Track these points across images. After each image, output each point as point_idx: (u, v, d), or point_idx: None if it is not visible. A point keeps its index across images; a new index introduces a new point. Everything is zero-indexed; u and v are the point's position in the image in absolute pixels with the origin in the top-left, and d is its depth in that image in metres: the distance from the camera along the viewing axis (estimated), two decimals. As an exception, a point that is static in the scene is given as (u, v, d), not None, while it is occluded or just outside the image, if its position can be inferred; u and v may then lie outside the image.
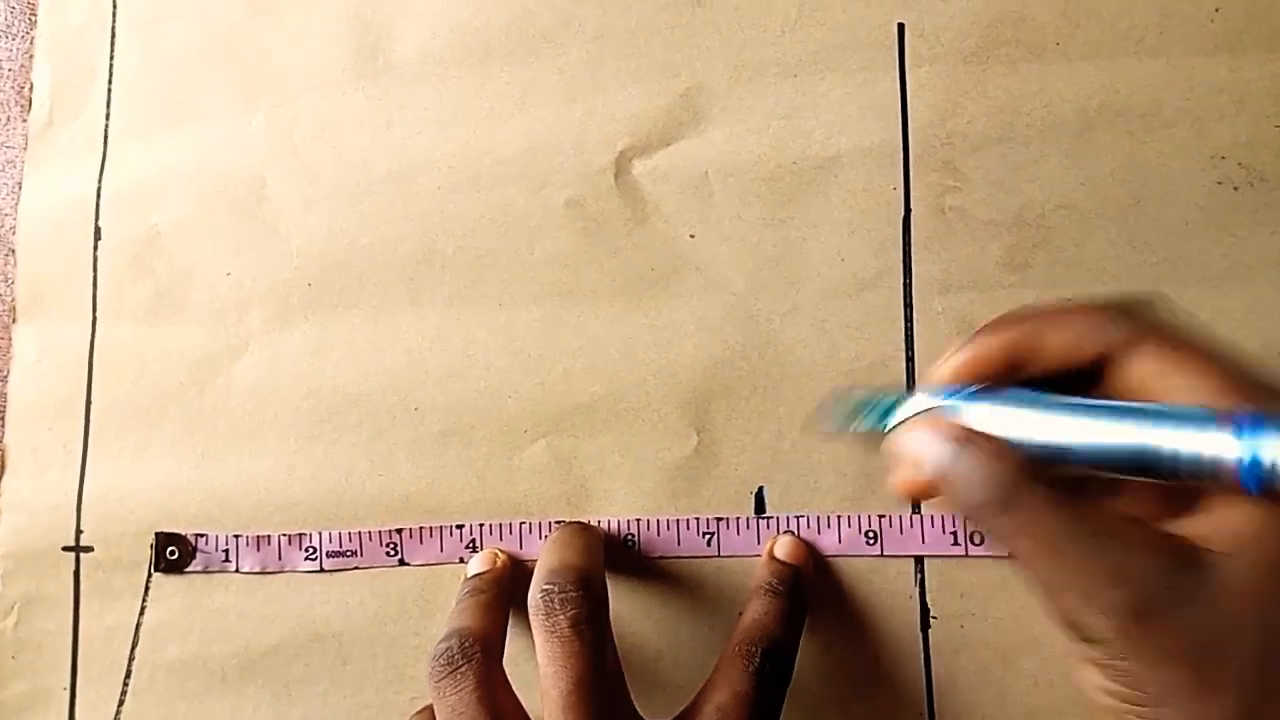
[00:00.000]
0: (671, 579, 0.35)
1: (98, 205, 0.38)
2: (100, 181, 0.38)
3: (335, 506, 0.36)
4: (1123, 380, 0.24)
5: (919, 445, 0.25)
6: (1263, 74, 0.35)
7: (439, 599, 0.35)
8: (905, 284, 0.35)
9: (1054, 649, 0.33)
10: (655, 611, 0.35)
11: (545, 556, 0.31)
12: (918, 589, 0.34)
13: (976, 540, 0.33)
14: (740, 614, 0.32)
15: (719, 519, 0.35)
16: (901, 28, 0.36)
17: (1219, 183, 0.35)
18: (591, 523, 0.35)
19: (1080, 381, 0.25)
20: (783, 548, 0.34)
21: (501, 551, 0.35)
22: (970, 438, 0.24)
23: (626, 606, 0.35)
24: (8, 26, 0.40)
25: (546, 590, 0.29)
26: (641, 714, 0.29)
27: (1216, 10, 0.35)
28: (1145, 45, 0.35)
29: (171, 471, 0.37)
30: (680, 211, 0.36)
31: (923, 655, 0.34)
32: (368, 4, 0.38)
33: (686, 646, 0.35)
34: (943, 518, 0.34)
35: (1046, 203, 0.35)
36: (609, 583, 0.31)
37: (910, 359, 0.35)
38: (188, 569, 0.36)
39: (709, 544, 0.35)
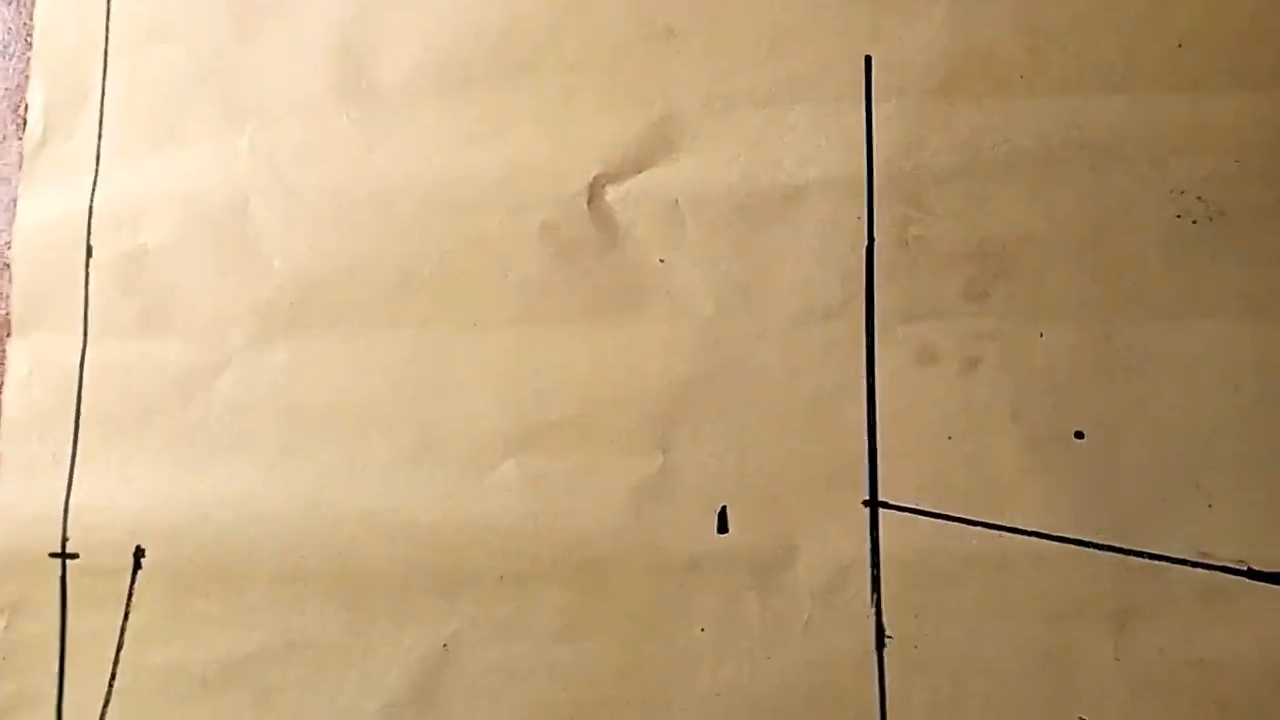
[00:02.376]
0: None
1: (89, 223, 0.40)
2: (92, 200, 0.40)
3: (309, 520, 0.37)
4: None
5: None
6: (1224, 110, 0.36)
7: (408, 608, 0.37)
8: (868, 312, 0.36)
9: (1006, 670, 0.34)
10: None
11: None
12: (874, 609, 0.35)
13: None
14: None
15: None
16: (869, 61, 0.37)
17: (1178, 217, 0.35)
18: None
19: None
20: None
21: None
22: None
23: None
24: (4, 47, 0.41)
25: None
26: None
27: (1180, 46, 0.36)
28: (1110, 80, 0.36)
29: (154, 482, 0.38)
30: (651, 237, 0.37)
31: (877, 674, 0.35)
32: (351, 30, 0.39)
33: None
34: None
35: (1007, 235, 0.36)
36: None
37: (871, 386, 0.36)
38: None
39: None
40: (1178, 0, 0.36)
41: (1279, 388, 0.34)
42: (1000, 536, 0.35)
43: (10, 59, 0.41)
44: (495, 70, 0.38)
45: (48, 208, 0.40)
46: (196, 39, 0.40)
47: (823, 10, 0.37)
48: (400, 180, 0.38)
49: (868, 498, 0.35)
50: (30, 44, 0.41)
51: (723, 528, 0.36)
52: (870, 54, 0.37)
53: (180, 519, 0.38)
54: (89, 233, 0.40)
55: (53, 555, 0.38)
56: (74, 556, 0.38)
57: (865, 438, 0.36)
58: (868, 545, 0.35)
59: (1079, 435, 0.35)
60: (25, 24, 0.41)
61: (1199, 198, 0.35)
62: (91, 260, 0.40)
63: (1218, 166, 0.35)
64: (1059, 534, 0.35)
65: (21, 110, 0.41)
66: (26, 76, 0.41)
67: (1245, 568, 0.34)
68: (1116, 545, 0.34)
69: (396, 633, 0.37)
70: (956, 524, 0.35)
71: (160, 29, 0.40)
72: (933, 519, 0.35)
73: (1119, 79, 0.36)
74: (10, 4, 0.41)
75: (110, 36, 0.40)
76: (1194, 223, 0.35)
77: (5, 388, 0.39)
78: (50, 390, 0.39)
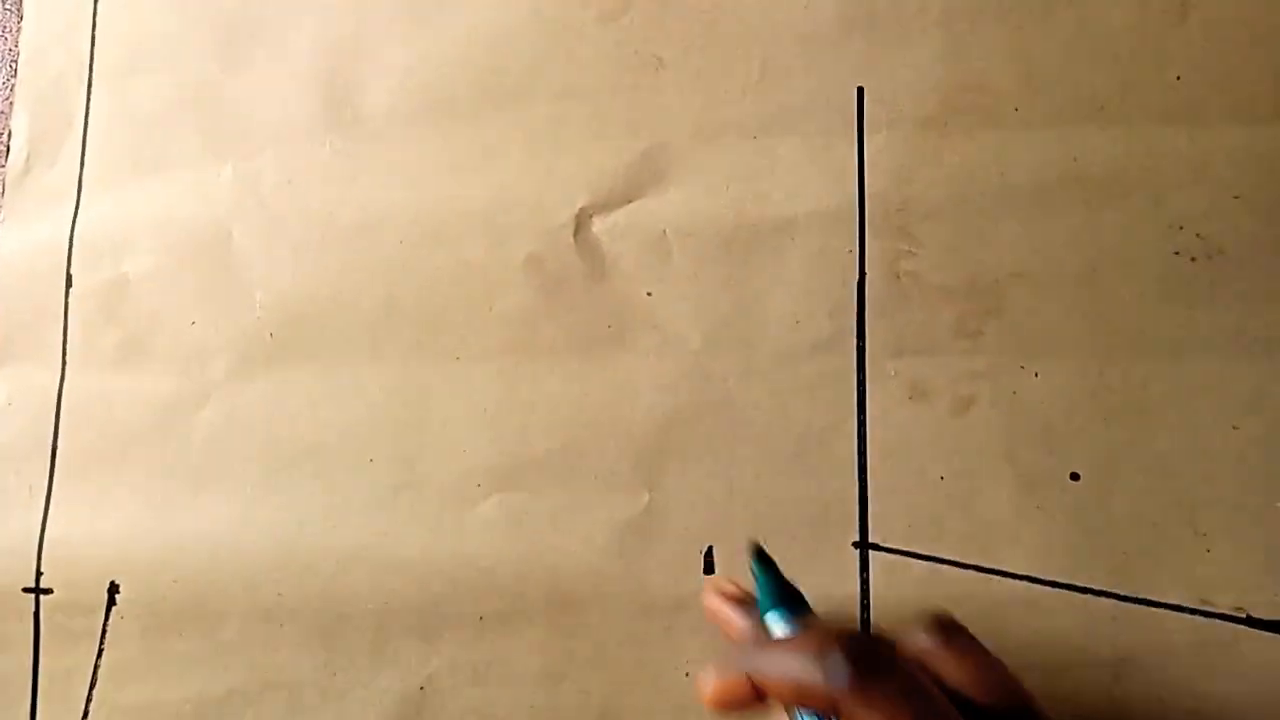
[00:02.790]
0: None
1: (70, 252, 0.39)
2: (73, 229, 0.39)
3: (287, 556, 0.36)
4: None
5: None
6: (1223, 144, 0.35)
7: (388, 650, 0.36)
8: (859, 347, 0.35)
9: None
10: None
11: None
12: (864, 654, 0.34)
13: None
14: None
15: None
16: (861, 92, 0.36)
17: (1176, 253, 0.35)
18: None
19: None
20: None
21: None
22: None
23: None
24: (-10, 74, 0.41)
25: None
26: None
27: (1178, 79, 0.35)
28: (1106, 113, 0.35)
29: (131, 517, 0.37)
30: (638, 269, 0.37)
31: None
32: (336, 60, 0.39)
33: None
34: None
35: (1000, 270, 0.35)
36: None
37: (862, 423, 0.35)
38: None
39: None
40: (1175, 32, 0.36)
41: (1278, 427, 0.33)
42: (993, 581, 0.34)
43: (-5, 86, 0.41)
44: (481, 100, 0.38)
45: (30, 236, 0.40)
46: (181, 68, 0.39)
47: (814, 41, 0.37)
48: (384, 211, 0.38)
49: (858, 539, 0.35)
50: (15, 71, 0.40)
51: (709, 569, 0.35)
52: (862, 85, 0.36)
53: (156, 554, 0.37)
54: (69, 262, 0.39)
55: (26, 590, 0.38)
56: (48, 592, 0.37)
57: (855, 477, 0.35)
58: (858, 588, 0.34)
59: (1074, 477, 0.34)
60: (10, 50, 0.41)
61: (1197, 234, 0.35)
62: (73, 290, 0.39)
63: (1216, 201, 0.35)
64: (1054, 579, 0.34)
65: (5, 138, 0.40)
66: (11, 104, 0.40)
67: (1244, 615, 0.33)
68: (1113, 591, 0.33)
69: (373, 674, 0.36)
70: (949, 567, 0.34)
71: (145, 58, 0.40)
72: (924, 562, 0.34)
73: (1115, 111, 0.35)
74: (-4, 31, 0.41)
75: (95, 65, 0.40)
76: (1192, 260, 0.35)
77: (-17, 418, 0.39)
78: (28, 421, 0.39)
